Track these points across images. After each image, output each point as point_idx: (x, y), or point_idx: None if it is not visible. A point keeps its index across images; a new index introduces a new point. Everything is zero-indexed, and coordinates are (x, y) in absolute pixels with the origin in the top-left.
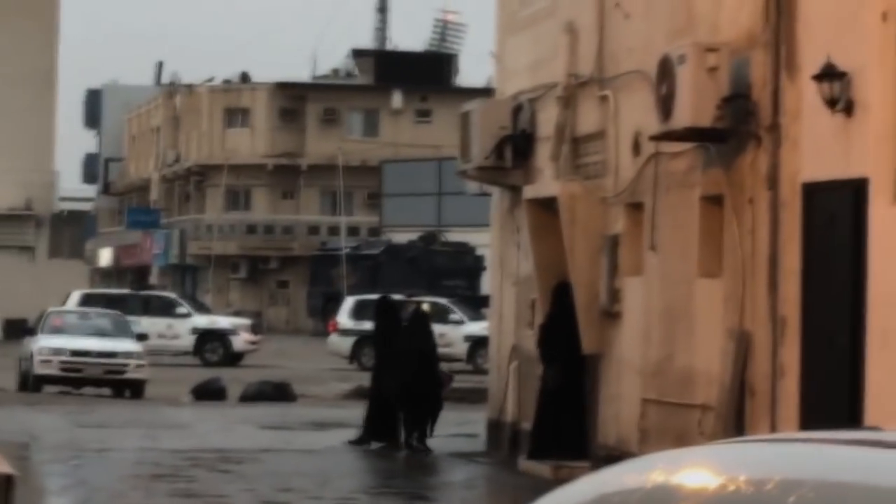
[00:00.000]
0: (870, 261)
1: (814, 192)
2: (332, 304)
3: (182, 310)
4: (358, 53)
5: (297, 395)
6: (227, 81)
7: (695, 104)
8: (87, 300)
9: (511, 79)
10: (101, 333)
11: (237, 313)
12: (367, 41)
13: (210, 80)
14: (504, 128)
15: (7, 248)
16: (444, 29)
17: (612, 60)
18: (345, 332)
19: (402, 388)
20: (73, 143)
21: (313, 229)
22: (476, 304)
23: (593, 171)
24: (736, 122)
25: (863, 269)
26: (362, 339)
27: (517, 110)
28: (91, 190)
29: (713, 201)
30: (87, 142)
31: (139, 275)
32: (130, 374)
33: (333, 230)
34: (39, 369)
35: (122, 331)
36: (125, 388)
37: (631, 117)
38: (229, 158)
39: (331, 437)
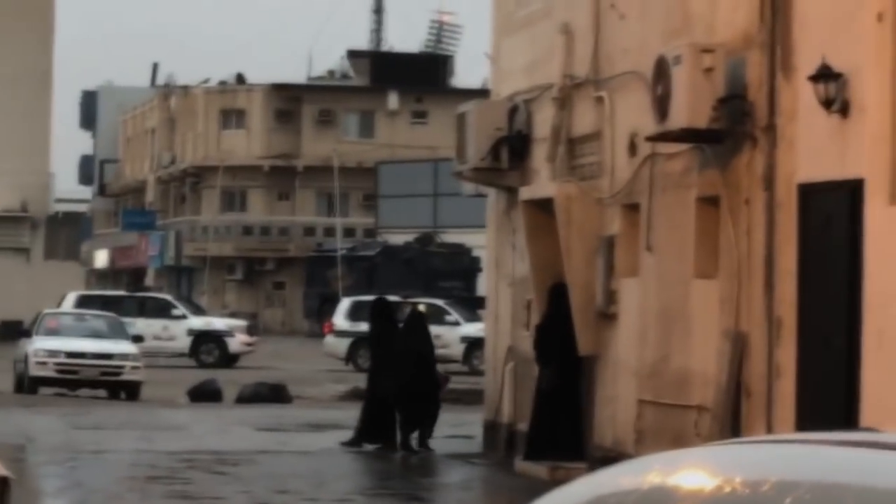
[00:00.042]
0: (866, 262)
1: (810, 193)
2: (328, 305)
3: (178, 311)
4: (354, 55)
5: (293, 397)
6: (222, 83)
7: (691, 105)
8: (82, 302)
9: (507, 80)
10: (96, 335)
11: (233, 315)
12: (362, 42)
13: (205, 81)
14: (500, 129)
15: (2, 249)
16: (440, 30)
17: (608, 61)
18: (341, 334)
19: (400, 390)
20: (68, 145)
21: (309, 231)
22: (472, 306)
23: (589, 172)
24: (732, 123)
25: (859, 269)
26: (358, 340)
27: (513, 111)
28: (87, 191)
29: (709, 202)
30: (83, 143)
31: (135, 276)
32: (126, 376)
33: (329, 231)
34: (35, 371)
35: (117, 332)
36: (121, 389)
37: (627, 118)
38: (225, 160)
39: (327, 438)
